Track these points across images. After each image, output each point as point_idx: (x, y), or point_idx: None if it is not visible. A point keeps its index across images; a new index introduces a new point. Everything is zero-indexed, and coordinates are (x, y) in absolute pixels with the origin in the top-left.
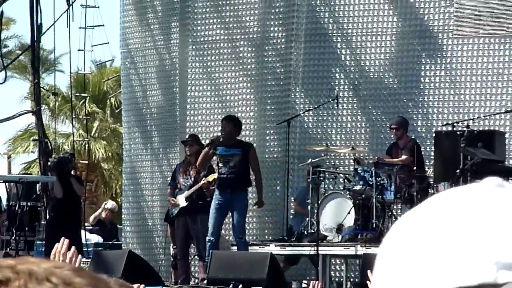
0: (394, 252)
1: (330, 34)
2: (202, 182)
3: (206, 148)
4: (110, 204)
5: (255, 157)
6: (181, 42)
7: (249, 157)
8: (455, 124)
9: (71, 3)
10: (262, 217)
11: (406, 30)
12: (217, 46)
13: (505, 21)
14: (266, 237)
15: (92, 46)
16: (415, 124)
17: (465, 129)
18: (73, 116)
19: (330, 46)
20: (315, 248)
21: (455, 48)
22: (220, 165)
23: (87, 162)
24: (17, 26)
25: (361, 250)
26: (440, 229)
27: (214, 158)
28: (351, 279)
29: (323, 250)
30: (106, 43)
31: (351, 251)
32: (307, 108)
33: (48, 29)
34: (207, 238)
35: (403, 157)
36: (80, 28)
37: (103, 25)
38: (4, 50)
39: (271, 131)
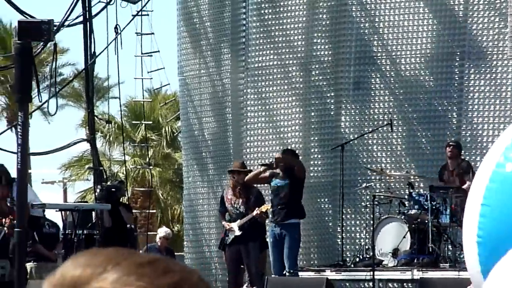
0: None
1: (379, 57)
2: (256, 212)
3: (261, 168)
4: (163, 231)
5: (300, 170)
6: (233, 68)
7: (295, 173)
8: None
9: (119, 31)
10: (314, 241)
11: (454, 51)
12: (269, 71)
13: None
14: (320, 261)
15: (148, 72)
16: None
17: None
18: (130, 143)
19: (379, 69)
20: (371, 272)
21: (505, 68)
22: (271, 196)
23: (142, 189)
24: (71, 54)
25: (417, 274)
26: None
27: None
28: None
29: (379, 274)
30: (162, 69)
31: (407, 275)
32: (360, 133)
33: (98, 55)
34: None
35: (464, 186)
36: (136, 56)
37: (158, 51)
38: (59, 78)
39: (319, 156)
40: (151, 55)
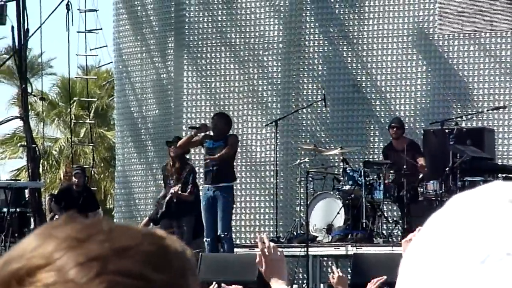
0: (414, 262)
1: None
2: (171, 192)
3: (192, 132)
4: None
5: (233, 141)
6: (176, 47)
7: (228, 143)
8: (444, 123)
9: (71, 8)
10: (252, 219)
11: (401, 34)
12: (212, 49)
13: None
14: (254, 238)
15: (91, 49)
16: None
17: (453, 127)
18: (71, 121)
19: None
20: (305, 249)
21: (445, 49)
22: (206, 157)
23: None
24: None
25: (351, 250)
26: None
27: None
28: None
29: (313, 250)
30: (104, 46)
31: (341, 251)
32: (295, 109)
33: (34, 32)
34: (204, 239)
35: (421, 163)
36: (79, 32)
37: (101, 29)
38: None
39: (258, 131)
40: (98, 32)
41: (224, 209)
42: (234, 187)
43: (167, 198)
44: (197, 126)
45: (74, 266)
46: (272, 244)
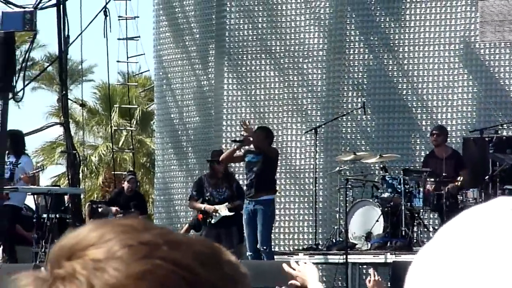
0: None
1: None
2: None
3: (234, 146)
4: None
5: (271, 149)
6: (217, 54)
7: (266, 152)
8: (483, 131)
9: (108, 15)
10: (291, 226)
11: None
12: (253, 56)
13: None
14: (296, 247)
15: (128, 57)
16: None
17: (493, 135)
18: (111, 128)
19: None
20: (344, 256)
21: (486, 57)
22: (246, 171)
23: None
24: (41, 36)
25: (390, 258)
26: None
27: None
28: None
29: (352, 258)
30: (142, 54)
31: (380, 259)
32: (335, 116)
33: (75, 39)
34: (247, 253)
35: (461, 178)
36: (119, 39)
37: (139, 37)
38: (30, 62)
39: (298, 138)
40: (138, 39)
41: (263, 223)
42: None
43: (230, 205)
44: (241, 139)
45: (124, 247)
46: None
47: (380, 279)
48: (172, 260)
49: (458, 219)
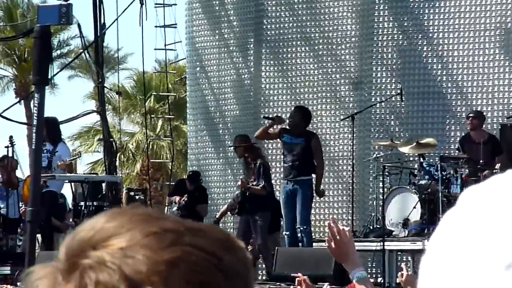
0: (435, 251)
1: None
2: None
3: (266, 123)
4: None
5: (318, 145)
6: (256, 42)
7: (312, 145)
8: None
9: (144, 2)
10: (328, 213)
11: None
12: (291, 43)
13: None
14: None
15: (165, 45)
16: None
17: None
18: (145, 115)
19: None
20: (382, 243)
21: None
22: (285, 153)
23: (153, 161)
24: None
25: (428, 245)
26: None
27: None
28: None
29: (389, 245)
30: (179, 42)
31: (417, 245)
32: (370, 103)
33: (110, 25)
34: (284, 233)
35: (498, 165)
36: (156, 27)
37: (175, 24)
38: (66, 49)
39: (335, 125)
40: (175, 26)
41: (303, 203)
42: None
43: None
44: (272, 117)
45: (148, 235)
46: (342, 227)
47: (412, 274)
48: (199, 246)
49: (470, 203)
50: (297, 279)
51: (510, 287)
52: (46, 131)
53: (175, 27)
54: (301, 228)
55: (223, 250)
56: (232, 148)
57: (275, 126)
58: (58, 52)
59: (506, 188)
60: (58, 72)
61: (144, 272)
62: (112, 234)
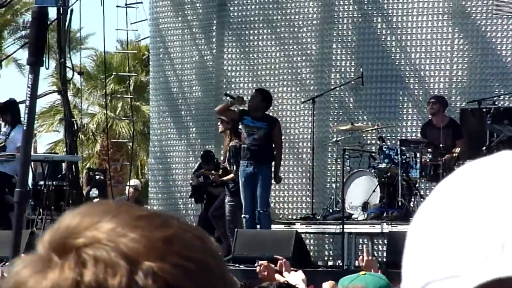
0: (418, 232)
1: (370, 15)
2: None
3: (228, 100)
4: (133, 182)
5: (279, 132)
6: (218, 25)
7: (273, 132)
8: (481, 102)
9: None
10: (288, 195)
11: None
12: (254, 26)
13: None
14: (290, 215)
15: (131, 23)
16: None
17: (491, 106)
18: (106, 95)
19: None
20: (341, 226)
21: (483, 27)
22: (245, 135)
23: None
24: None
25: (386, 228)
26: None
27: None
28: (377, 258)
29: (349, 228)
30: (144, 20)
31: (376, 229)
32: (331, 86)
33: (72, 4)
34: (242, 216)
35: (458, 149)
36: (118, 7)
37: (141, 2)
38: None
39: (295, 108)
40: (137, 6)
41: (263, 186)
42: None
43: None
44: (234, 96)
45: (138, 218)
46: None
47: (372, 258)
48: (187, 228)
49: (459, 173)
50: (258, 267)
51: (504, 268)
52: (4, 114)
53: (137, 7)
54: (261, 211)
55: (205, 235)
56: (199, 128)
57: (235, 106)
58: (23, 33)
59: (506, 166)
60: (17, 50)
61: (141, 249)
62: (100, 219)
